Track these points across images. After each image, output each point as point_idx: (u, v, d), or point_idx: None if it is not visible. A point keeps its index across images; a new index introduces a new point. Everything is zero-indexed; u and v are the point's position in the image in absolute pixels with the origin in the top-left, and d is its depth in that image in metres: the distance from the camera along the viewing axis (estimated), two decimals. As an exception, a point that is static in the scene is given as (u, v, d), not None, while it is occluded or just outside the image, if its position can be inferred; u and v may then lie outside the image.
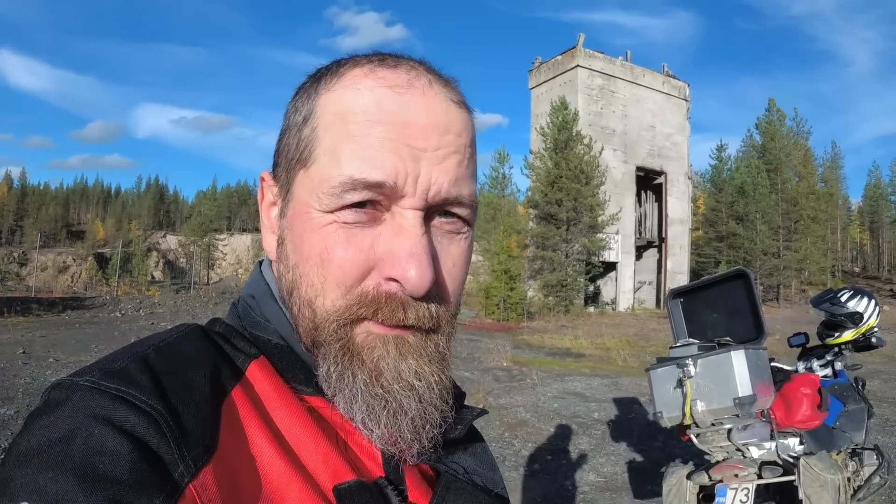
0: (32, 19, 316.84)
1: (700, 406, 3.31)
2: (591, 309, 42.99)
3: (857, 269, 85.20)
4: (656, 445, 8.01)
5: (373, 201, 0.70)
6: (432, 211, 0.73)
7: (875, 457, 4.24)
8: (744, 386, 3.22)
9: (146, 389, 0.58)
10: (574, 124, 41.34)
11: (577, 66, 45.74)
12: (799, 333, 4.65)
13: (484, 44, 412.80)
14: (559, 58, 48.01)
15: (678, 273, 49.87)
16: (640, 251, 50.51)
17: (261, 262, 0.89)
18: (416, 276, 0.68)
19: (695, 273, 54.71)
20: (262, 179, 0.85)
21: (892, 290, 59.04)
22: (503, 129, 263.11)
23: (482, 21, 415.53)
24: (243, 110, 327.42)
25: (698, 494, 3.68)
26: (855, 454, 4.17)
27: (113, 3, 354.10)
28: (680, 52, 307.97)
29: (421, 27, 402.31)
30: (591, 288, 46.87)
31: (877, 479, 4.23)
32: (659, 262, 50.97)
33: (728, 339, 3.69)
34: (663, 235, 50.20)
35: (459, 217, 0.76)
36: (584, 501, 6.13)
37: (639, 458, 7.54)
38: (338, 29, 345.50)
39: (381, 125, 0.70)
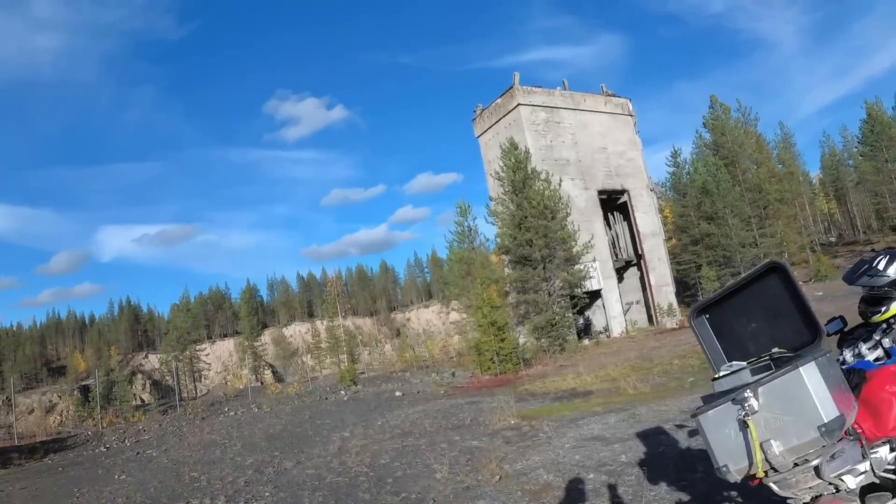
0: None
1: (776, 447, 2.54)
2: (586, 341, 42.23)
3: (832, 239, 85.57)
4: (698, 477, 7.23)
5: None
6: None
7: None
8: (827, 407, 2.47)
9: None
10: (527, 162, 41.10)
11: (518, 104, 45.76)
12: (834, 318, 3.92)
13: (426, 107, 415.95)
14: (499, 101, 48.06)
15: (663, 286, 49.38)
16: (620, 273, 50.03)
17: None
18: None
19: (679, 282, 54.33)
20: None
21: (873, 249, 59.04)
22: (459, 185, 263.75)
23: (419, 86, 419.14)
24: (204, 215, 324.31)
25: None
26: None
27: (51, 133, 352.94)
28: (614, 71, 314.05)
29: (361, 104, 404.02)
30: (581, 320, 46.19)
31: None
32: (641, 279, 50.49)
33: (779, 350, 2.96)
34: (640, 252, 49.81)
35: None
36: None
37: (685, 497, 6.73)
38: (280, 121, 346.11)
39: None
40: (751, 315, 3.23)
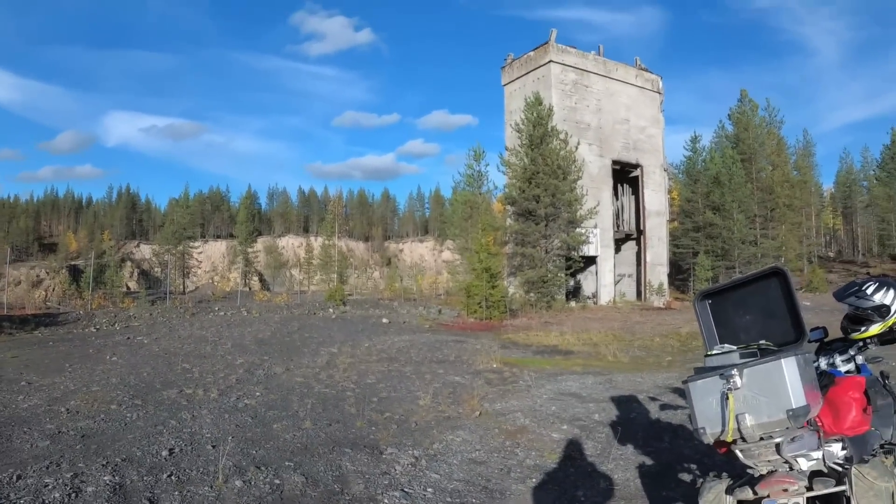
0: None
1: (749, 420, 3.05)
2: (573, 304, 42.88)
3: (831, 255, 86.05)
4: (664, 446, 7.76)
5: None
6: None
7: None
8: (797, 396, 2.96)
9: None
10: (549, 119, 41.22)
11: (550, 61, 45.63)
12: (816, 328, 4.39)
13: (453, 44, 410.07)
14: (531, 54, 47.86)
15: (658, 265, 49.94)
16: (618, 244, 50.52)
17: None
18: None
19: (673, 264, 54.90)
20: None
21: (868, 273, 59.56)
22: (473, 128, 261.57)
23: (451, 22, 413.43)
24: (214, 115, 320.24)
25: None
26: (887, 451, 3.93)
27: (76, 9, 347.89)
28: (649, 46, 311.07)
29: (389, 30, 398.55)
30: (572, 283, 46.77)
31: None
32: (638, 254, 51.01)
33: (766, 342, 3.45)
34: (641, 228, 50.25)
35: None
36: (598, 512, 5.87)
37: (648, 461, 7.26)
38: (305, 35, 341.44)
39: None
40: (747, 308, 3.72)
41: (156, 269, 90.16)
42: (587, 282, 48.14)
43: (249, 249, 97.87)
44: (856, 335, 4.08)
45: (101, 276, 51.87)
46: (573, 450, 7.77)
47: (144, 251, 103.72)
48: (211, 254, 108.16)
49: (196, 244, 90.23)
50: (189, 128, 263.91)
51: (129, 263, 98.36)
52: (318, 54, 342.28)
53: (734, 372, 3.10)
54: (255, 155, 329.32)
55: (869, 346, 4.05)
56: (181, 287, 76.02)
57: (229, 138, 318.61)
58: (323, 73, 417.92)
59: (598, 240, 45.56)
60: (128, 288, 69.55)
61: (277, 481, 6.36)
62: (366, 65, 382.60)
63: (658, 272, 49.93)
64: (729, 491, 3.41)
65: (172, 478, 6.32)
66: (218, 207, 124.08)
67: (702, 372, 3.32)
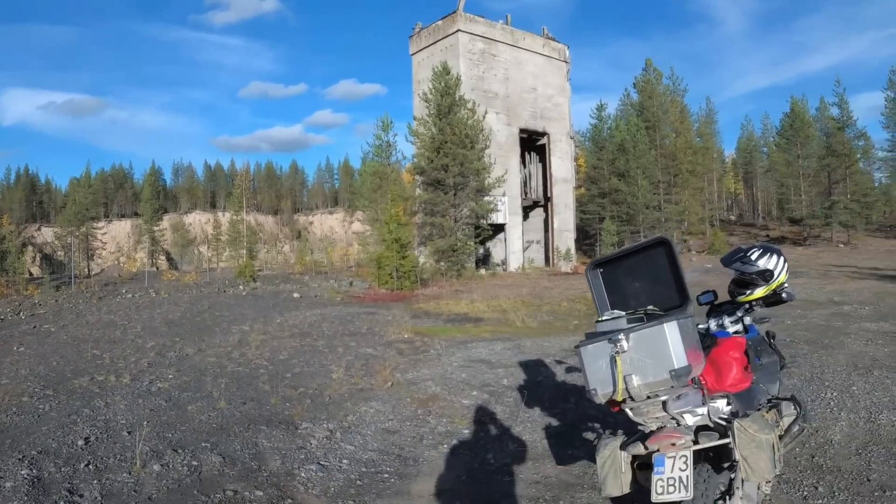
0: None
1: (635, 380, 3.27)
2: (483, 271, 43.43)
3: (733, 218, 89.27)
4: (569, 407, 8.07)
5: None
6: None
7: (792, 406, 4.33)
8: (679, 357, 3.19)
9: None
10: (457, 89, 41.36)
11: (459, 30, 45.68)
12: (707, 291, 4.68)
13: (361, 12, 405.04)
14: (440, 23, 47.79)
15: (565, 230, 50.96)
16: (526, 211, 51.27)
17: None
18: None
19: (580, 230, 56.08)
20: None
21: (767, 235, 62.12)
22: (382, 97, 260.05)
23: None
24: (117, 90, 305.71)
25: (632, 463, 3.65)
26: (772, 405, 4.23)
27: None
28: (558, 15, 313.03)
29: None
30: (482, 250, 47.30)
31: (795, 429, 4.36)
32: (545, 220, 51.92)
33: (653, 308, 3.66)
34: (549, 195, 51.08)
35: None
36: (507, 473, 6.09)
37: (554, 422, 7.56)
38: (209, 3, 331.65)
39: None
40: (636, 276, 3.97)
41: (59, 253, 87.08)
42: (496, 249, 48.76)
43: (155, 228, 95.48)
44: (742, 298, 4.38)
45: (2, 263, 49.87)
46: (483, 415, 8.02)
47: (46, 234, 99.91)
48: (115, 234, 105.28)
49: (100, 225, 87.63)
50: (90, 103, 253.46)
51: (30, 248, 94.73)
52: (222, 24, 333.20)
53: (621, 336, 3.31)
54: (159, 130, 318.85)
55: (755, 307, 4.35)
56: (86, 270, 73.75)
57: (132, 114, 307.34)
58: (228, 43, 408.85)
59: (506, 207, 46.18)
60: (30, 274, 67.00)
61: (195, 463, 6.36)
62: (272, 34, 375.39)
63: (565, 238, 50.98)
64: (623, 447, 3.64)
65: (90, 467, 6.25)
66: (121, 185, 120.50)
67: (592, 337, 3.54)
